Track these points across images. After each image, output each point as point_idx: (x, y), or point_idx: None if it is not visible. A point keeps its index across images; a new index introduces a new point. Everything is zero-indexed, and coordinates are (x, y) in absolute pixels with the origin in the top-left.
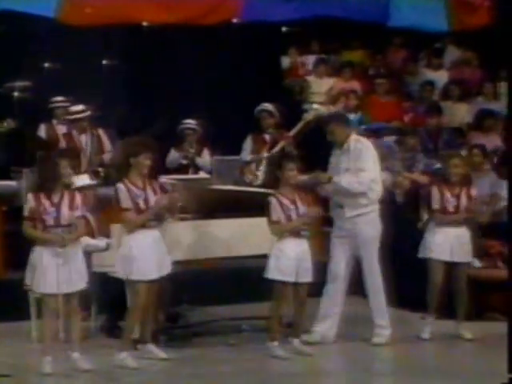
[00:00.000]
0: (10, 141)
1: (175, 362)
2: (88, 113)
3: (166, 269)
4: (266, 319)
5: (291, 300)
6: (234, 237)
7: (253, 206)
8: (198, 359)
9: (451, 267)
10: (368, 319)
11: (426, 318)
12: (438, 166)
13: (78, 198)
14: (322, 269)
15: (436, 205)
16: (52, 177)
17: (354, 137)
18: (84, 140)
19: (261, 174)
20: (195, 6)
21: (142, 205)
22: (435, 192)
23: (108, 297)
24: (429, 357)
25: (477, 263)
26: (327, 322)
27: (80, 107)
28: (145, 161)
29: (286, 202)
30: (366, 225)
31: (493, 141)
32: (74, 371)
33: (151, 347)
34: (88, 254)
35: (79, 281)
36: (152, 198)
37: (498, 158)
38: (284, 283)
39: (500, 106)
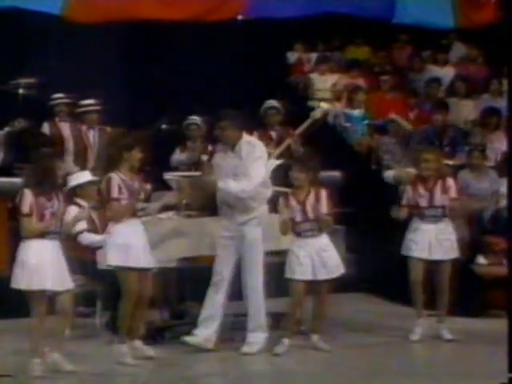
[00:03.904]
0: (14, 138)
1: (175, 360)
2: (97, 107)
3: (150, 263)
4: (270, 315)
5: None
6: None
7: None
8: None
9: (431, 265)
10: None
11: (416, 318)
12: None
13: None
14: None
15: (405, 201)
16: (50, 176)
17: (245, 138)
18: (91, 136)
19: None
20: (200, 3)
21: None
22: (408, 189)
23: (113, 293)
24: (429, 355)
25: (482, 260)
26: (210, 325)
27: (90, 101)
28: (137, 154)
29: (293, 202)
30: (254, 227)
31: (498, 139)
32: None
33: (138, 344)
34: (93, 250)
35: (69, 280)
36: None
37: (502, 156)
38: (300, 281)
39: (506, 103)
